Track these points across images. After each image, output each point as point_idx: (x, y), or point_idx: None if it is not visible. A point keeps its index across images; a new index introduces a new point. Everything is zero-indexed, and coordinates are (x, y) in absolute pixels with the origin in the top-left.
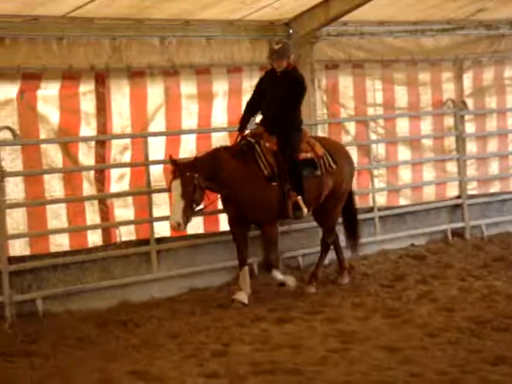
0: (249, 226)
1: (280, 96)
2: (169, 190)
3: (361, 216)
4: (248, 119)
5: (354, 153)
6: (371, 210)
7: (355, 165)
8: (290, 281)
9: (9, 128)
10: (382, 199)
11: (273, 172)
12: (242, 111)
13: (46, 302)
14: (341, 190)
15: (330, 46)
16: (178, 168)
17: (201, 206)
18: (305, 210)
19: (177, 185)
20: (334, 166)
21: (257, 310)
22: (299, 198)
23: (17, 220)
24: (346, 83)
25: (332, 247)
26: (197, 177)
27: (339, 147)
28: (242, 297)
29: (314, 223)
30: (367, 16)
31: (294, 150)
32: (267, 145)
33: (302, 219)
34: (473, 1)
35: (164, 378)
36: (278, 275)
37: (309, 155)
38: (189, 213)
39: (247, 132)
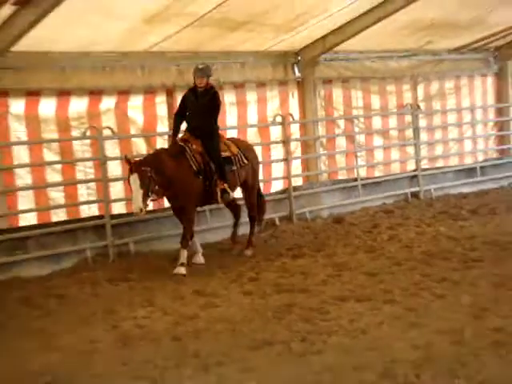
0: None
1: (202, 109)
2: (128, 182)
3: (348, 184)
4: (178, 127)
5: (343, 141)
6: (356, 180)
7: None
8: (198, 258)
9: (109, 128)
10: (363, 172)
11: (199, 168)
12: (173, 121)
13: (136, 244)
14: (254, 179)
15: (326, 67)
16: (134, 164)
17: (153, 197)
18: (231, 193)
19: (135, 178)
20: (246, 162)
21: (278, 249)
22: (226, 185)
23: (117, 189)
24: (337, 93)
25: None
26: (149, 170)
27: (249, 147)
28: (181, 270)
29: (318, 189)
30: (352, 47)
31: (217, 151)
32: (194, 147)
33: (229, 201)
34: (423, 36)
35: (216, 294)
36: (184, 254)
37: (226, 154)
38: (147, 200)
39: (178, 137)
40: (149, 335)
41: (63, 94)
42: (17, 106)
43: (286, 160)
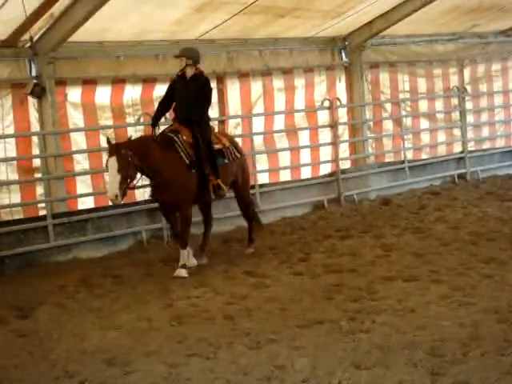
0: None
1: (192, 97)
2: (106, 166)
3: (395, 166)
4: (160, 116)
5: (390, 124)
6: (403, 162)
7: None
8: (192, 262)
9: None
10: (410, 155)
11: (192, 161)
12: (155, 109)
13: None
14: (246, 173)
15: (373, 52)
16: (114, 147)
17: (134, 182)
18: (225, 189)
19: (113, 161)
20: (238, 155)
21: (326, 230)
22: (219, 180)
23: None
24: (384, 77)
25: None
26: (131, 154)
27: (236, 141)
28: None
29: (366, 172)
30: (398, 31)
31: (209, 142)
32: (185, 138)
33: (223, 197)
34: (470, 19)
35: (266, 275)
36: (184, 256)
37: (218, 146)
38: (124, 186)
39: (165, 128)
40: (202, 314)
41: (118, 81)
42: (74, 94)
43: (334, 144)
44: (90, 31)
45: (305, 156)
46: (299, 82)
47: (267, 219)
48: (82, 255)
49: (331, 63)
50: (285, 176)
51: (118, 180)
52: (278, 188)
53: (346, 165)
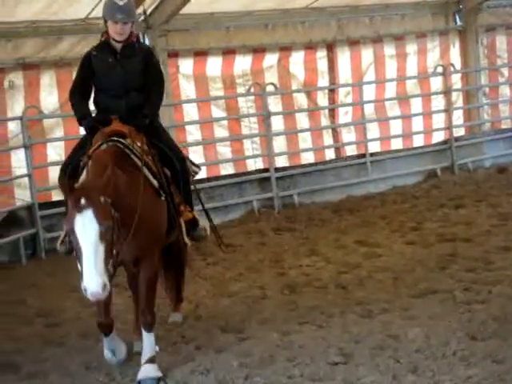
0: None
1: (131, 79)
2: (70, 228)
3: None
4: (89, 110)
5: (507, 90)
6: None
7: None
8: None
9: (272, 83)
10: None
11: (161, 182)
12: (73, 102)
13: (299, 196)
14: None
15: (489, 15)
16: (81, 193)
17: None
18: (206, 226)
19: (89, 220)
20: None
21: (440, 199)
22: (195, 213)
23: (280, 143)
24: (501, 40)
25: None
26: (111, 202)
27: None
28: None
29: (481, 139)
30: None
31: (178, 149)
32: (139, 145)
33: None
34: None
35: (378, 244)
36: (152, 343)
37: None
38: (111, 262)
39: (101, 130)
40: (314, 283)
41: (228, 52)
42: (186, 66)
43: (447, 111)
44: (201, 3)
45: (417, 124)
46: (411, 48)
47: (378, 188)
48: None
49: (445, 28)
50: (396, 144)
51: (101, 255)
52: (389, 157)
53: (459, 132)
